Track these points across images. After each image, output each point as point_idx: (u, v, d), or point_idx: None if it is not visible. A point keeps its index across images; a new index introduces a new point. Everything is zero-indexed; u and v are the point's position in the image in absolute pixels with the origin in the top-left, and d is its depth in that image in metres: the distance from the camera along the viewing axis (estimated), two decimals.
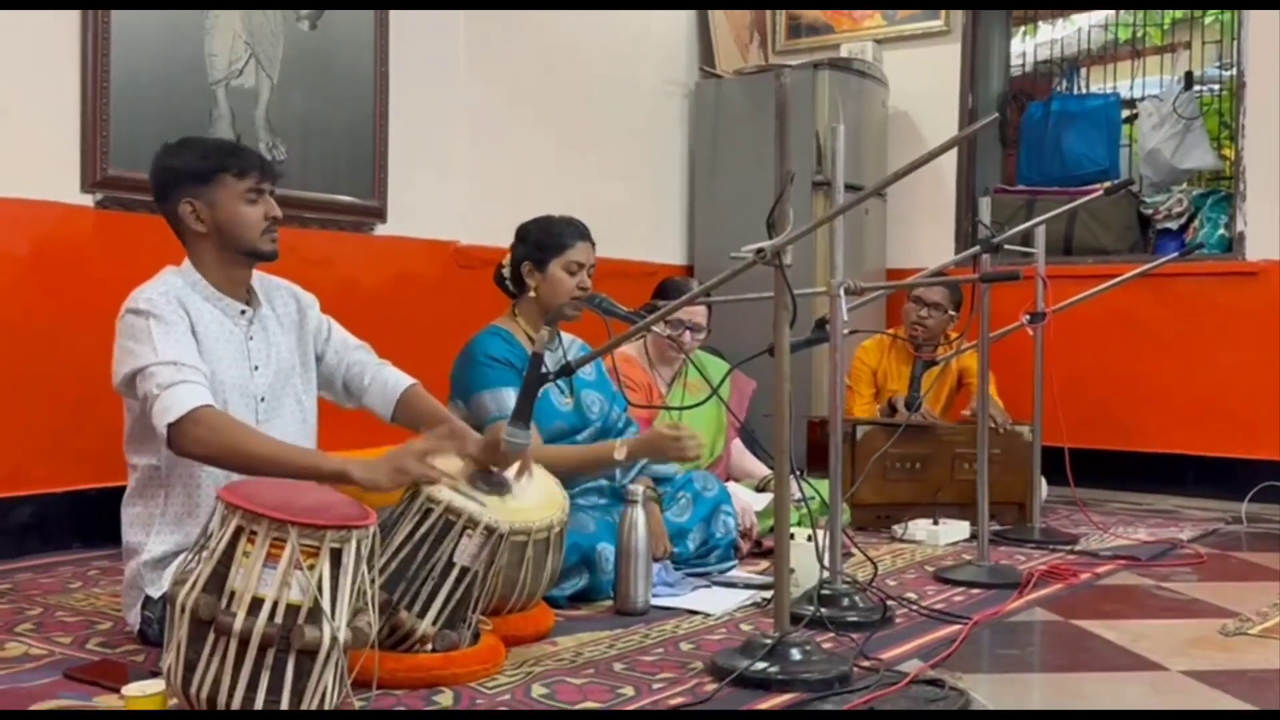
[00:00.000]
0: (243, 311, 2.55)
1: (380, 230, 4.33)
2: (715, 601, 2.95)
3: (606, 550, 2.92)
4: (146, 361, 2.33)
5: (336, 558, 1.82)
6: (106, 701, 2.08)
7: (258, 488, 1.87)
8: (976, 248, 3.28)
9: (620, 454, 3.06)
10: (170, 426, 2.27)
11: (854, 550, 3.25)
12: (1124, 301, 5.18)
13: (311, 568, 1.79)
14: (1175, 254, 4.45)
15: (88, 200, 3.51)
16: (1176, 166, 5.62)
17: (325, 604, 1.79)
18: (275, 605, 1.76)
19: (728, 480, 3.83)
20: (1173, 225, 5.47)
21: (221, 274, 2.53)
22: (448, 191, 4.57)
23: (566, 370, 2.56)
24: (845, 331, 3.61)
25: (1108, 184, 3.63)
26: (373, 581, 1.91)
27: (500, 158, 4.78)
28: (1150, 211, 5.54)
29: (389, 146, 4.31)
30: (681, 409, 3.26)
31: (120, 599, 2.62)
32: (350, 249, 4.19)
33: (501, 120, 4.80)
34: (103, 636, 2.55)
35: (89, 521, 3.46)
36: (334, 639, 1.79)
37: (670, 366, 3.95)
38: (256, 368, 2.54)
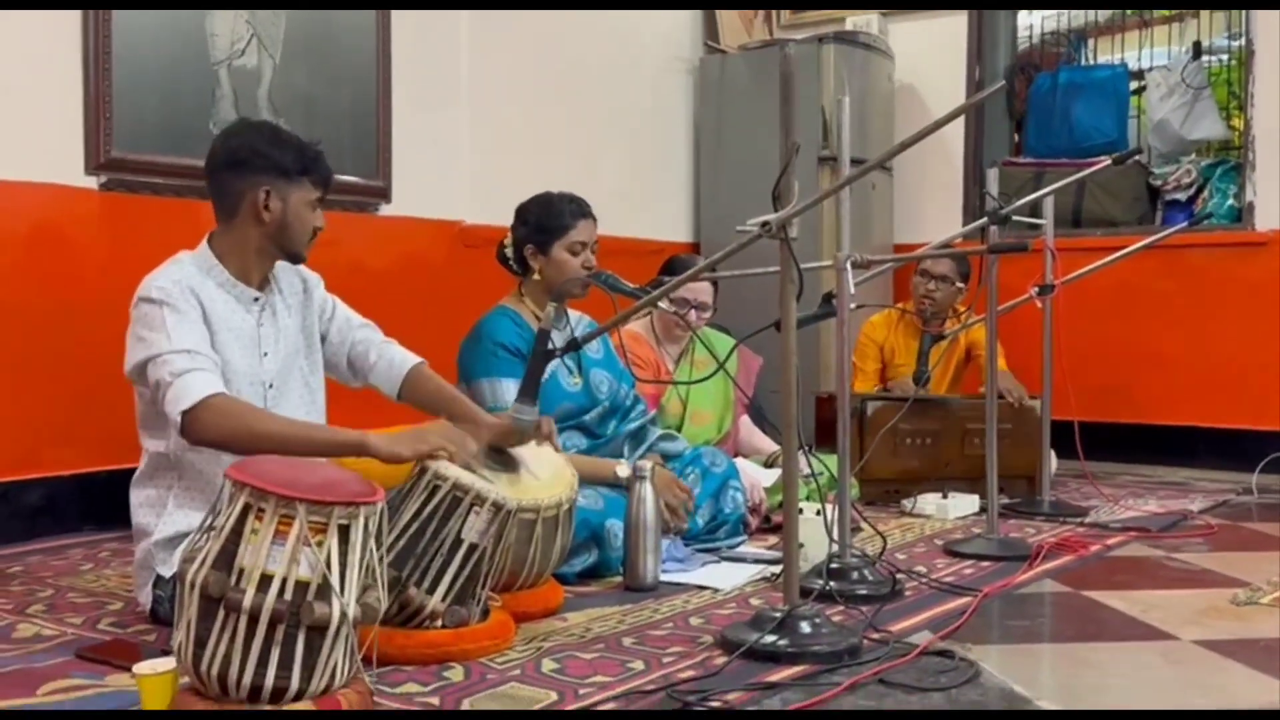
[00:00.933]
0: (256, 299, 2.55)
1: (385, 210, 4.32)
2: (724, 577, 2.95)
3: (615, 526, 2.92)
4: (159, 349, 2.34)
5: (344, 534, 1.82)
6: (118, 680, 2.09)
7: (265, 465, 1.87)
8: (984, 219, 3.26)
9: (623, 472, 3.05)
10: (184, 414, 2.28)
11: (863, 524, 3.25)
12: (1133, 273, 5.16)
13: (320, 544, 1.79)
14: (1183, 224, 4.42)
15: (92, 183, 3.50)
16: (1185, 137, 5.58)
17: (334, 580, 1.79)
18: (284, 582, 1.76)
19: (736, 456, 3.82)
20: (1181, 196, 5.44)
21: (247, 261, 2.53)
22: (452, 171, 4.56)
23: (573, 345, 2.56)
24: (852, 306, 3.61)
25: (1115, 155, 3.59)
26: (381, 558, 1.91)
27: (504, 136, 4.76)
28: (1159, 183, 5.51)
29: (393, 126, 4.30)
30: (688, 383, 3.26)
31: (131, 579, 2.63)
32: (355, 229, 4.18)
33: (505, 99, 4.78)
34: (114, 616, 2.56)
35: (99, 503, 3.46)
36: (343, 615, 1.79)
37: (677, 344, 3.94)
38: (266, 354, 2.54)
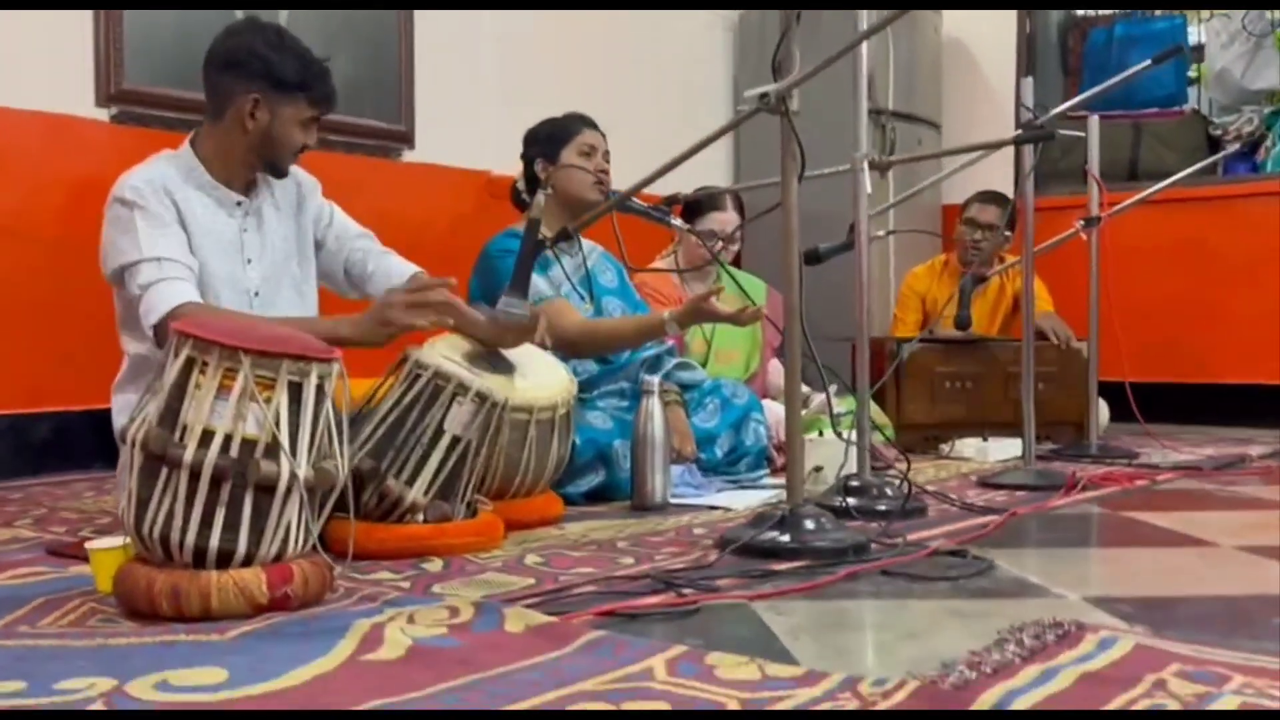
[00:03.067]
0: (239, 203, 2.46)
1: (408, 156, 4.24)
2: (738, 499, 2.80)
3: (623, 447, 2.80)
4: (132, 258, 2.29)
5: (295, 392, 1.70)
6: (80, 570, 2.00)
7: (213, 318, 1.78)
8: (1019, 132, 3.09)
9: (670, 326, 2.94)
10: (154, 327, 2.21)
11: (888, 460, 3.08)
12: (1192, 225, 4.95)
13: (268, 400, 1.68)
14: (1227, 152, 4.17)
15: (103, 114, 3.46)
16: (1246, 87, 5.34)
17: (283, 438, 1.68)
18: (228, 438, 1.65)
19: (764, 399, 3.67)
20: (1243, 146, 5.20)
21: (230, 166, 2.45)
22: (479, 120, 4.46)
23: (563, 235, 2.44)
24: (880, 232, 3.47)
25: (1156, 54, 3.37)
26: (341, 426, 1.80)
27: (534, 87, 4.65)
28: (1219, 133, 5.27)
29: (415, 71, 4.22)
30: (706, 296, 3.11)
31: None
32: (376, 175, 4.10)
33: (536, 49, 4.69)
34: (97, 527, 2.49)
35: (111, 439, 3.39)
36: (293, 475, 1.68)
37: (703, 282, 3.80)
38: (250, 261, 2.45)
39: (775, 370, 3.97)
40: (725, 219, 3.66)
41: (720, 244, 3.65)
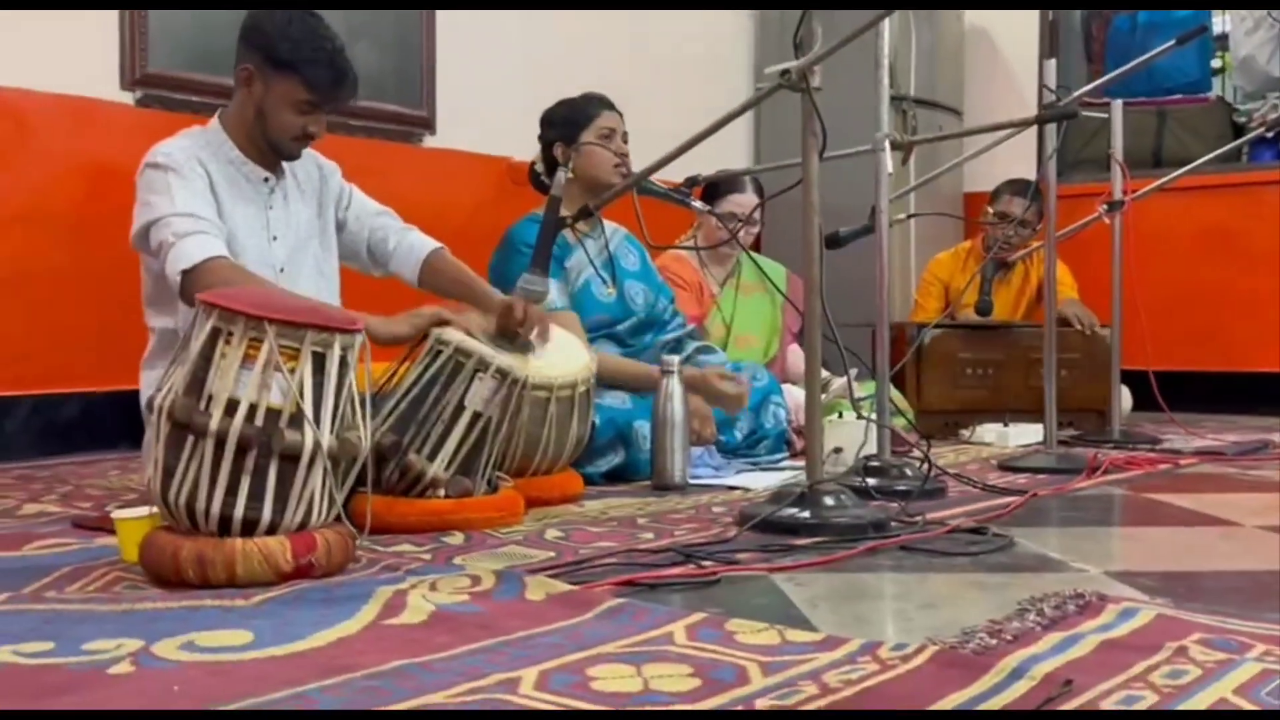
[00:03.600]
0: (265, 179, 2.48)
1: (429, 142, 4.25)
2: (758, 481, 2.80)
3: (643, 427, 2.80)
4: (163, 212, 2.29)
5: (319, 362, 1.72)
6: (106, 541, 2.02)
7: (238, 289, 1.79)
8: (1041, 113, 3.08)
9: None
10: (183, 273, 2.22)
11: (909, 443, 3.08)
12: (1217, 213, 4.92)
13: (292, 371, 1.69)
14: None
15: (128, 98, 3.49)
16: (1271, 74, 5.30)
17: (307, 408, 1.69)
18: (253, 407, 1.67)
19: (784, 384, 3.67)
20: (1268, 132, 5.16)
21: (248, 140, 2.46)
22: (500, 105, 4.47)
23: (584, 213, 2.44)
24: (901, 216, 3.46)
25: (1180, 34, 3.35)
26: (364, 400, 1.81)
27: (556, 72, 4.64)
28: (1243, 120, 5.24)
29: (437, 56, 4.23)
30: (701, 249, 3.11)
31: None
32: (397, 160, 4.11)
33: (557, 34, 4.69)
34: (123, 503, 2.50)
35: (138, 420, 3.42)
36: (317, 444, 1.69)
37: (723, 266, 3.80)
38: (275, 238, 2.47)
39: (795, 355, 3.97)
40: (743, 201, 3.65)
41: (740, 226, 3.65)
